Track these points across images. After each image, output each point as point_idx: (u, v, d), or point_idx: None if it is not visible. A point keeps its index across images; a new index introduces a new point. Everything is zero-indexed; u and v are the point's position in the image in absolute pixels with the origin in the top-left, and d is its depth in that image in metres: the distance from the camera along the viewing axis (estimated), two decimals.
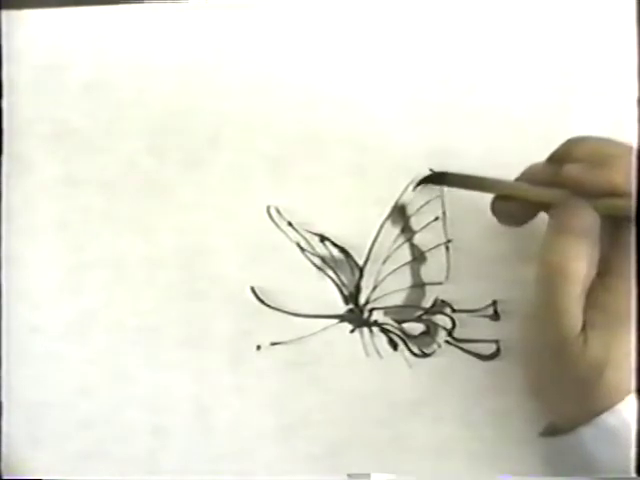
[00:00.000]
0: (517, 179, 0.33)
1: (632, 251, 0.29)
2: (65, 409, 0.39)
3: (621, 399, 0.28)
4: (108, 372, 0.39)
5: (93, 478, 0.38)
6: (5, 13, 0.40)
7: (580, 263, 0.29)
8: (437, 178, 0.36)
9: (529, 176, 0.33)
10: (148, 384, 0.38)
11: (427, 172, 0.38)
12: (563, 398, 0.30)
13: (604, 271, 0.29)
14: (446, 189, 0.37)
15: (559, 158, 0.32)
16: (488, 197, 0.37)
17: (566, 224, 0.29)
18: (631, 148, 0.30)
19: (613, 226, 0.30)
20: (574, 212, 0.30)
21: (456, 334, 0.37)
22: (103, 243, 0.39)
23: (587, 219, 0.29)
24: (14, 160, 0.39)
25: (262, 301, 0.38)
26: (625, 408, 0.28)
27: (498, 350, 0.37)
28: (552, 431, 0.32)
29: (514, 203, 0.32)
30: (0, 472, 0.38)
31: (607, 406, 0.28)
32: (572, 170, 0.30)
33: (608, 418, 0.28)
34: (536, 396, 0.32)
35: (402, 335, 0.38)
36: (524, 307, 0.32)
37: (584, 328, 0.28)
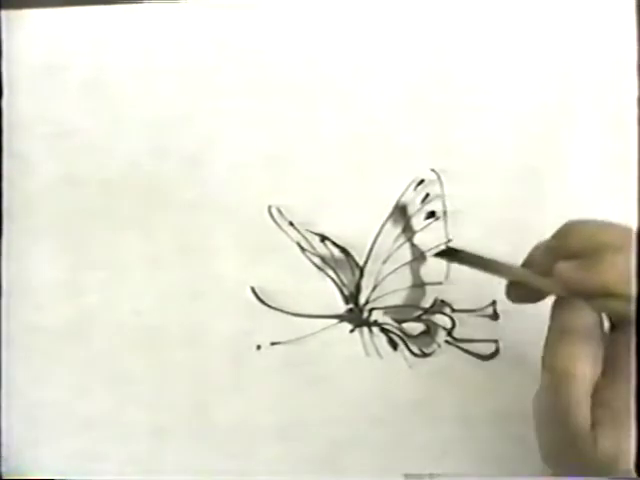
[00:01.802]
0: (524, 261, 0.33)
1: (632, 351, 0.29)
2: (65, 409, 0.39)
3: None
4: (108, 372, 0.39)
5: (93, 478, 0.38)
6: (5, 13, 0.40)
7: (584, 364, 0.28)
8: (451, 253, 0.36)
9: (533, 261, 0.32)
10: (148, 384, 0.38)
11: (427, 172, 0.38)
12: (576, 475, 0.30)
13: (608, 368, 0.29)
14: (446, 190, 0.38)
15: (555, 247, 0.31)
16: (488, 197, 0.38)
17: (568, 326, 0.29)
18: (629, 233, 0.30)
19: (613, 323, 0.30)
20: (574, 313, 0.29)
21: (456, 334, 0.37)
22: (103, 243, 0.39)
23: (587, 319, 0.29)
24: (14, 160, 0.40)
25: (262, 301, 0.38)
26: None
27: (498, 350, 0.37)
28: None
29: (523, 288, 0.32)
30: (0, 472, 0.38)
31: None
32: (564, 271, 0.29)
33: None
34: (550, 467, 0.32)
35: (402, 335, 0.38)
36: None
37: (593, 427, 0.28)
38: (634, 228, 0.29)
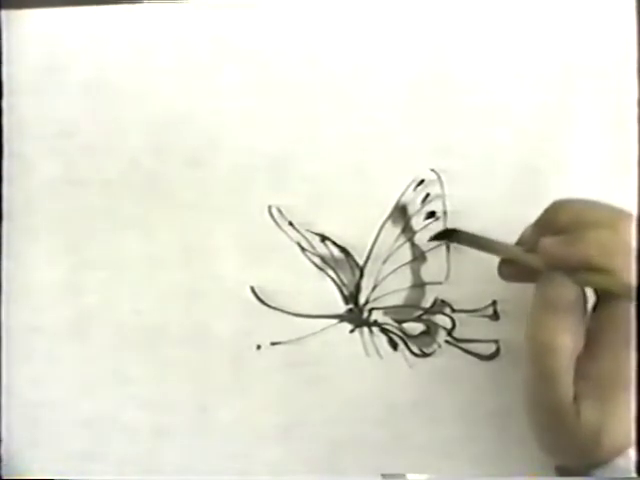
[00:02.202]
0: (517, 240, 0.34)
1: (615, 324, 0.29)
2: (65, 409, 0.39)
3: (620, 454, 0.28)
4: (108, 372, 0.39)
5: (93, 478, 0.38)
6: (5, 13, 0.40)
7: (565, 338, 0.29)
8: (449, 234, 0.37)
9: (523, 239, 0.33)
10: (148, 384, 0.38)
11: (427, 172, 0.38)
12: (564, 454, 0.31)
13: (591, 341, 0.30)
14: (446, 190, 0.38)
15: (543, 224, 0.32)
16: (488, 197, 0.38)
17: (549, 299, 0.30)
18: (616, 212, 0.30)
19: (597, 296, 0.30)
20: (556, 287, 0.30)
21: (456, 334, 0.37)
22: (103, 243, 0.39)
23: (569, 293, 0.30)
24: (14, 160, 0.40)
25: (262, 301, 0.38)
26: (624, 460, 0.28)
27: (498, 350, 0.37)
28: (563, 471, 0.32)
29: (514, 266, 0.33)
30: (0, 472, 0.38)
31: (606, 462, 0.29)
32: (547, 245, 0.30)
33: (606, 471, 0.29)
34: (540, 448, 0.33)
35: (402, 335, 0.38)
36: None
37: (576, 399, 0.29)
38: (625, 209, 0.30)
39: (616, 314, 0.29)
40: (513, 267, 0.33)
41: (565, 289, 0.30)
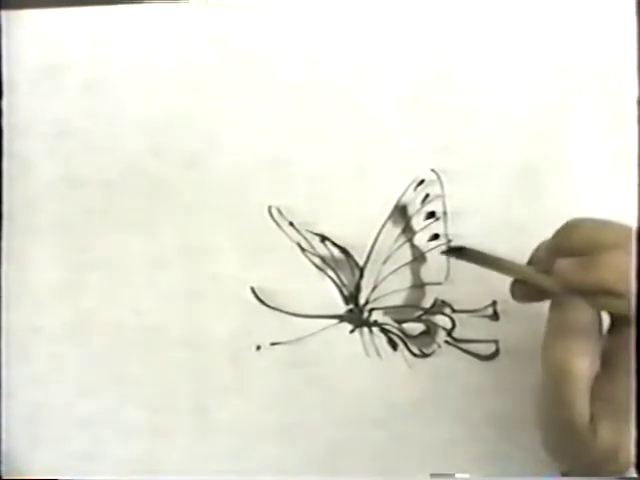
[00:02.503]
0: (528, 260, 0.33)
1: (630, 347, 0.29)
2: (65, 409, 0.39)
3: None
4: (108, 372, 0.39)
5: (93, 478, 0.38)
6: (5, 13, 0.40)
7: (581, 361, 0.29)
8: (458, 251, 0.36)
9: (535, 259, 0.33)
10: (148, 384, 0.38)
11: (427, 172, 0.38)
12: (577, 466, 0.31)
13: (606, 363, 0.29)
14: (446, 191, 0.38)
15: (557, 245, 0.32)
16: (488, 197, 0.38)
17: (565, 323, 0.30)
18: (630, 232, 0.30)
19: (612, 319, 0.30)
20: (572, 310, 0.30)
21: (456, 334, 0.37)
22: (103, 243, 0.39)
23: (585, 317, 0.29)
24: (14, 160, 0.40)
25: (262, 301, 0.38)
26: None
27: (498, 350, 0.37)
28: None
29: (527, 286, 0.32)
30: (0, 472, 0.38)
31: (620, 472, 0.29)
32: (563, 268, 0.30)
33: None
34: (551, 458, 0.33)
35: (402, 335, 0.38)
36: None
37: (592, 420, 0.29)
38: (634, 227, 0.30)
39: (631, 336, 0.29)
40: (526, 288, 0.32)
41: (581, 312, 0.29)
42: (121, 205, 0.39)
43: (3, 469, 0.38)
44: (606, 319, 0.30)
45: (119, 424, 0.39)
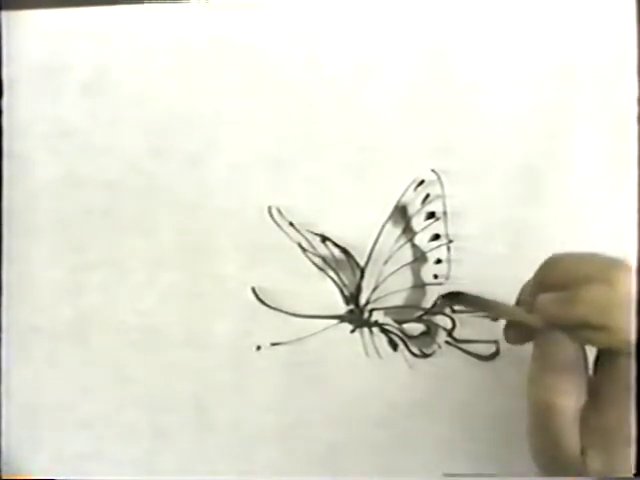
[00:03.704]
0: (517, 300, 0.33)
1: (624, 376, 0.29)
2: (65, 409, 0.39)
3: None
4: (108, 372, 0.39)
5: (93, 478, 0.38)
6: (5, 13, 0.40)
7: (566, 397, 0.29)
8: (454, 297, 0.36)
9: (522, 298, 0.33)
10: (148, 384, 0.39)
11: (427, 172, 0.38)
12: None
13: (594, 394, 0.29)
14: (447, 191, 0.38)
15: (539, 281, 0.31)
16: (488, 197, 0.38)
17: (548, 358, 0.30)
18: (614, 265, 0.29)
19: (598, 351, 0.30)
20: (554, 346, 0.30)
21: (456, 335, 0.37)
22: (103, 243, 0.39)
23: (568, 352, 0.29)
24: (14, 160, 0.39)
25: (262, 301, 0.38)
26: None
27: (498, 351, 0.37)
28: None
29: (518, 328, 0.32)
30: (0, 472, 0.38)
31: None
32: (544, 303, 0.30)
33: None
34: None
35: (402, 335, 0.38)
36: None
37: (583, 451, 0.28)
38: (619, 259, 0.29)
39: (617, 368, 0.29)
40: (517, 330, 0.32)
41: (564, 347, 0.29)
42: (121, 205, 0.39)
43: (3, 469, 0.38)
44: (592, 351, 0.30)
45: (119, 424, 0.39)
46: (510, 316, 0.32)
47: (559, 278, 0.30)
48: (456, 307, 0.37)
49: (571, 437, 0.29)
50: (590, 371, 0.30)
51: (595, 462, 0.28)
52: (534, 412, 0.30)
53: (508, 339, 0.33)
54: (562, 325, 0.29)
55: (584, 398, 0.29)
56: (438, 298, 0.37)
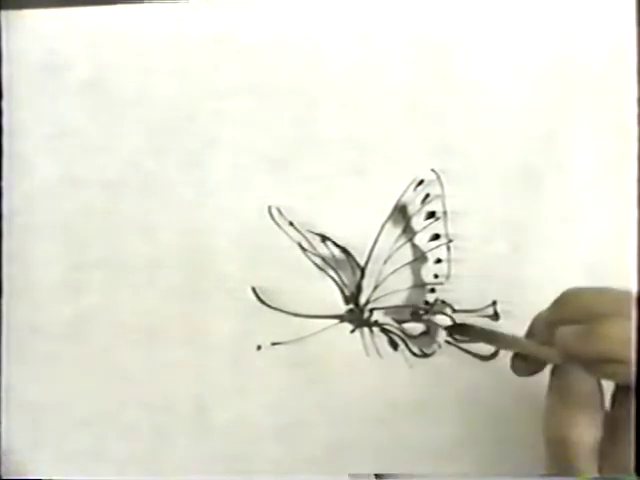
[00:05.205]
0: (526, 332, 0.33)
1: (632, 413, 0.29)
2: (65, 409, 0.39)
3: None
4: (108, 372, 0.39)
5: (93, 478, 0.38)
6: (5, 13, 0.40)
7: (584, 431, 0.29)
8: (461, 329, 0.37)
9: (534, 331, 0.33)
10: (148, 384, 0.38)
11: (427, 172, 0.38)
12: None
13: (611, 428, 0.29)
14: (446, 191, 0.38)
15: (555, 316, 0.31)
16: (488, 197, 0.38)
17: (566, 393, 0.30)
18: (628, 297, 0.29)
19: (616, 386, 0.30)
20: (573, 380, 0.30)
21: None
22: (103, 243, 0.39)
23: (586, 386, 0.29)
24: (14, 160, 0.39)
25: (263, 301, 0.38)
26: None
27: (498, 350, 0.37)
28: None
29: (527, 361, 0.32)
30: (0, 472, 0.38)
31: None
32: (565, 336, 0.29)
33: None
34: None
35: (402, 335, 0.38)
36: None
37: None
38: (633, 293, 0.29)
39: (635, 402, 0.29)
40: (526, 362, 0.32)
41: (582, 382, 0.29)
42: (121, 205, 0.39)
43: (3, 469, 0.38)
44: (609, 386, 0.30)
45: (119, 424, 0.39)
46: (522, 349, 0.32)
47: (579, 312, 0.30)
48: (460, 338, 0.37)
49: (586, 469, 0.29)
50: (607, 405, 0.30)
51: None
52: (550, 446, 0.30)
53: (516, 371, 0.33)
54: (582, 359, 0.29)
55: (600, 433, 0.29)
56: (447, 327, 0.38)
